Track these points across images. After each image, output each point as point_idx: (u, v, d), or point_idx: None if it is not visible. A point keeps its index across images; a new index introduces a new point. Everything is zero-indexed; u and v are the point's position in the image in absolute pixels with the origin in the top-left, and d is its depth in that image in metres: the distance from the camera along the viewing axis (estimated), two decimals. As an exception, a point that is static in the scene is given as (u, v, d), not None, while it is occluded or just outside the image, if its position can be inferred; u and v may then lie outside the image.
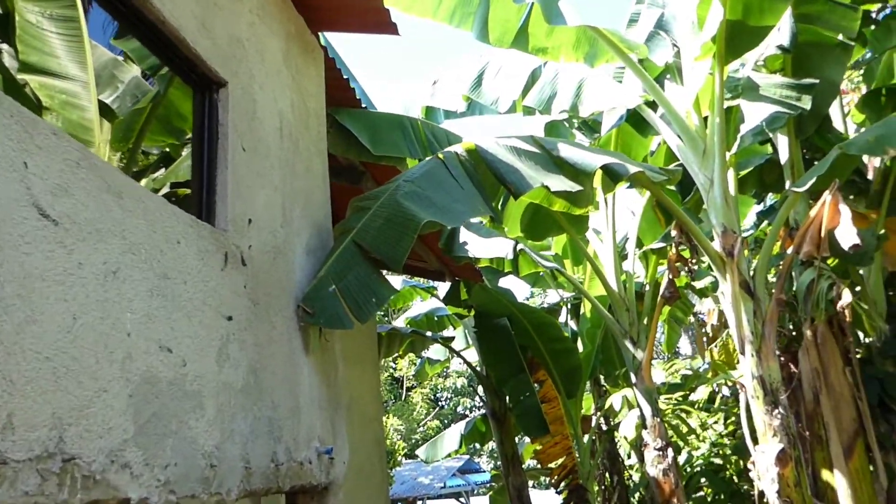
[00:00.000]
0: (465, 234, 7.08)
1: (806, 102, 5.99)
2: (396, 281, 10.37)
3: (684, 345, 19.91)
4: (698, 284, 9.91)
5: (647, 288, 8.10)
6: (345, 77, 5.40)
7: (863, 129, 6.75)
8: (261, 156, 3.74)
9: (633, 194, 8.65)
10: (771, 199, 8.97)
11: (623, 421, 9.09)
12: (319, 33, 5.06)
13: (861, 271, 6.99)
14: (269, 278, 3.61)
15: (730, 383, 9.20)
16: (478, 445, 16.11)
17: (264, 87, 3.91)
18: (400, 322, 11.85)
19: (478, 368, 10.12)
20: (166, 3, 2.98)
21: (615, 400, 9.26)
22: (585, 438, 8.79)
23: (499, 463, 11.04)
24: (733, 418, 9.08)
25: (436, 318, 10.93)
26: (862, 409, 6.07)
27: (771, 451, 5.21)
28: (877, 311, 6.80)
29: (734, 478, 8.88)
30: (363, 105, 5.81)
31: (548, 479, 9.48)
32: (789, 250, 5.83)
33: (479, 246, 7.33)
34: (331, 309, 3.94)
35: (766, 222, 8.49)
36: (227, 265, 3.20)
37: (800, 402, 6.27)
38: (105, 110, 3.66)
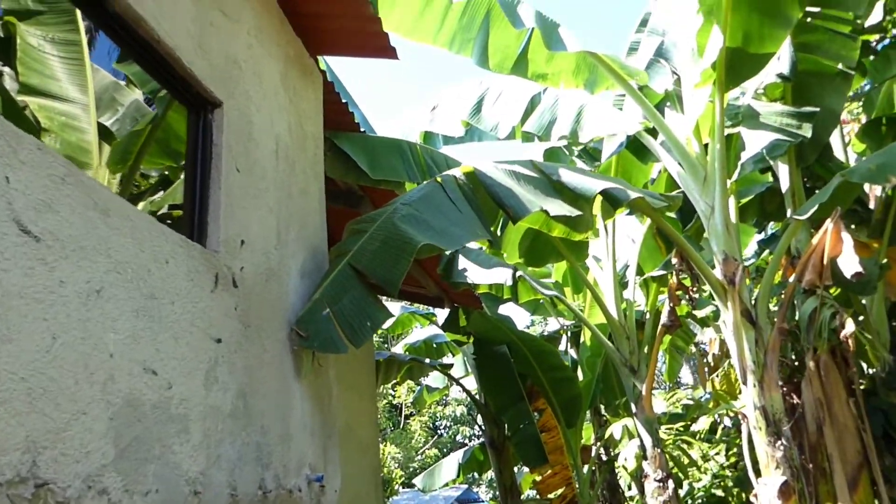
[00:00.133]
0: (463, 261, 7.02)
1: (807, 130, 5.96)
2: (395, 307, 10.31)
3: (686, 374, 19.75)
4: (700, 313, 9.84)
5: (648, 316, 8.03)
6: (343, 101, 5.40)
7: (864, 158, 6.73)
8: (256, 177, 3.70)
9: (634, 222, 8.61)
10: (772, 228, 8.92)
11: (623, 451, 8.96)
12: (320, 57, 5.07)
13: (864, 301, 6.92)
14: (262, 301, 3.55)
15: (731, 414, 9.08)
16: (476, 475, 15.90)
17: (261, 108, 3.89)
18: (398, 349, 11.76)
19: (476, 396, 10.00)
20: (161, 22, 2.96)
21: (615, 429, 9.13)
22: (585, 469, 8.66)
23: (497, 493, 10.87)
24: (735, 449, 8.95)
25: (434, 345, 10.85)
26: (866, 442, 5.95)
27: (774, 483, 5.09)
28: (880, 341, 6.71)
29: (736, 511, 8.72)
30: (362, 130, 5.80)
31: (547, 510, 9.31)
32: (791, 279, 5.76)
33: (478, 272, 7.27)
34: (325, 332, 3.87)
35: (767, 251, 8.43)
36: (218, 286, 3.14)
37: (803, 434, 6.15)
38: (104, 133, 3.65)
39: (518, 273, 7.43)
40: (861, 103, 8.54)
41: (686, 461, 9.53)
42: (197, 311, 2.92)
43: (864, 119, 8.46)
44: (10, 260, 1.99)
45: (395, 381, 12.72)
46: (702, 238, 7.16)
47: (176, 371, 2.70)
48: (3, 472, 1.85)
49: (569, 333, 10.61)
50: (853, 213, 7.00)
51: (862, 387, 6.38)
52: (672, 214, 7.53)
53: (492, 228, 5.73)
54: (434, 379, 12.02)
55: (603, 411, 10.47)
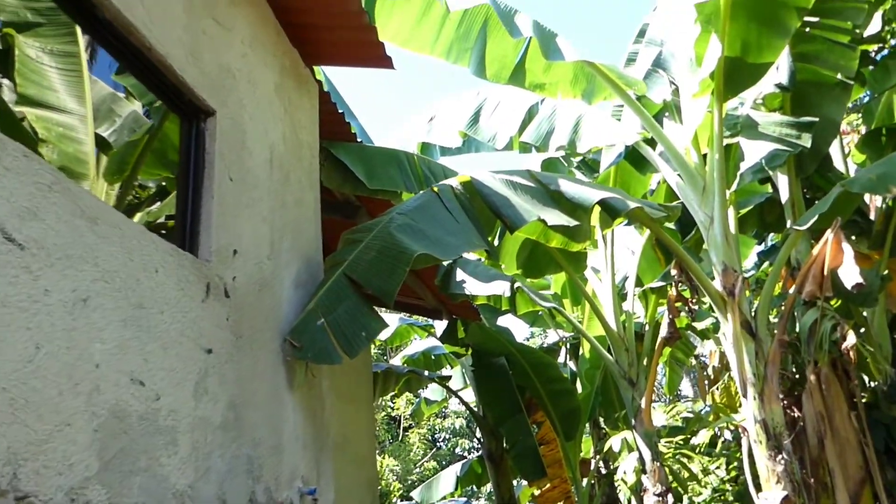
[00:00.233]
0: (461, 273, 6.97)
1: (806, 140, 5.93)
2: (394, 319, 10.26)
3: (686, 387, 19.65)
4: (700, 325, 9.78)
5: (647, 328, 7.97)
6: (340, 112, 5.37)
7: (864, 168, 6.70)
8: (249, 186, 3.67)
9: (633, 233, 8.58)
10: (772, 239, 8.89)
11: (622, 464, 8.88)
12: (317, 68, 5.04)
13: (865, 313, 6.87)
14: (254, 311, 3.50)
15: (732, 427, 9.00)
16: (475, 488, 15.79)
17: (255, 117, 3.86)
18: (397, 360, 11.69)
19: (475, 409, 9.92)
20: (152, 29, 2.94)
21: (615, 442, 9.04)
22: (584, 482, 8.58)
23: (496, 507, 10.75)
24: (736, 463, 8.86)
25: (433, 357, 10.78)
26: (868, 456, 5.88)
27: (774, 498, 5.02)
28: (882, 354, 6.65)
29: (737, 525, 8.62)
30: (359, 140, 5.77)
31: (545, 524, 9.21)
32: (791, 290, 5.72)
33: (477, 284, 7.22)
34: (319, 343, 3.82)
35: (767, 263, 8.39)
36: (209, 296, 3.10)
37: (804, 448, 6.08)
38: (102, 144, 3.62)
39: (516, 284, 7.39)
40: (860, 114, 8.53)
41: (686, 475, 9.43)
42: (187, 321, 2.88)
43: (863, 130, 8.44)
44: (-9, 268, 1.95)
45: (393, 394, 12.64)
46: (701, 249, 7.12)
47: (164, 382, 2.65)
48: (-19, 484, 1.81)
49: (568, 345, 10.55)
50: (853, 224, 6.97)
51: (864, 400, 6.31)
52: (671, 225, 7.50)
53: (489, 238, 5.69)
54: (433, 391, 11.95)
55: (602, 424, 10.39)
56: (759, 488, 5.26)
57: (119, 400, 2.38)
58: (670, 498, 6.59)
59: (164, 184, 4.10)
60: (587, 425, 9.54)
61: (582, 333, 8.08)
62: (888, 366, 6.57)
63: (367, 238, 4.25)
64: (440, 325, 9.29)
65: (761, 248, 8.92)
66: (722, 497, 8.94)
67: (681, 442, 10.01)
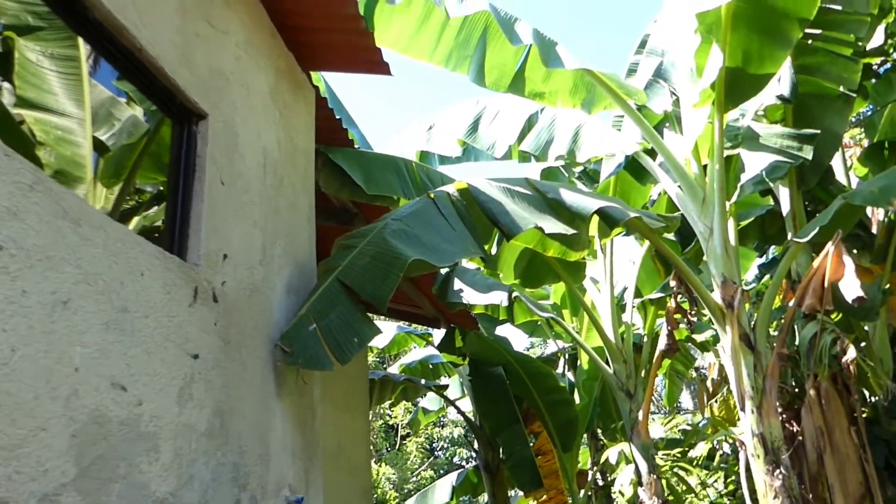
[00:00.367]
0: (459, 282, 6.92)
1: (807, 152, 5.89)
2: (392, 327, 10.19)
3: (686, 399, 19.54)
4: (699, 338, 9.72)
5: (646, 340, 7.91)
6: (338, 118, 5.34)
7: (866, 181, 6.65)
8: (240, 190, 3.63)
9: (633, 244, 8.53)
10: (773, 252, 8.83)
11: (619, 476, 8.80)
12: (317, 75, 5.01)
13: (866, 327, 6.81)
14: (244, 317, 3.45)
15: (730, 440, 8.92)
16: (470, 498, 15.67)
17: (248, 121, 3.82)
18: (394, 369, 11.63)
19: (472, 418, 9.85)
20: (143, 30, 2.91)
21: (612, 454, 8.97)
22: (581, 494, 8.50)
23: (492, 518, 10.66)
24: (734, 477, 8.77)
25: (430, 366, 10.72)
26: (868, 472, 5.81)
27: (772, 513, 4.95)
28: (883, 368, 6.59)
29: (735, 541, 8.53)
30: (357, 146, 5.73)
31: (541, 536, 9.12)
32: (791, 303, 5.66)
33: (475, 293, 7.17)
34: (310, 348, 3.76)
35: (767, 275, 8.33)
36: (197, 301, 3.05)
37: (803, 463, 6.01)
38: (100, 147, 3.60)
39: (514, 294, 7.34)
40: (863, 128, 8.49)
41: (683, 488, 9.34)
42: (173, 326, 2.83)
43: (866, 143, 8.40)
44: (-35, 268, 1.91)
45: (389, 402, 12.57)
46: (701, 261, 7.07)
47: (147, 387, 2.60)
48: (-52, 490, 1.76)
49: (566, 356, 10.48)
50: (855, 237, 6.91)
51: (864, 415, 6.24)
52: (671, 237, 7.44)
53: (486, 247, 5.64)
54: (430, 400, 11.88)
55: (600, 435, 10.31)
56: (756, 503, 5.18)
57: (99, 405, 2.33)
58: (667, 511, 6.52)
59: (161, 188, 4.07)
60: (584, 436, 9.47)
61: (580, 344, 8.02)
62: (889, 381, 6.51)
63: (361, 244, 4.21)
64: (438, 334, 9.23)
65: (762, 260, 8.86)
66: (720, 512, 8.85)
67: (679, 454, 9.92)
